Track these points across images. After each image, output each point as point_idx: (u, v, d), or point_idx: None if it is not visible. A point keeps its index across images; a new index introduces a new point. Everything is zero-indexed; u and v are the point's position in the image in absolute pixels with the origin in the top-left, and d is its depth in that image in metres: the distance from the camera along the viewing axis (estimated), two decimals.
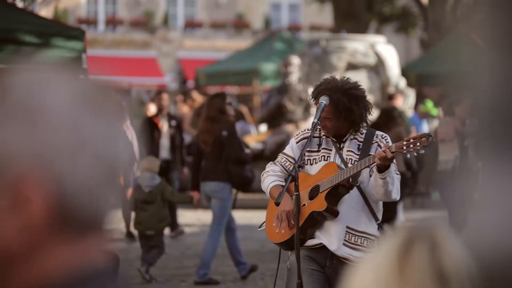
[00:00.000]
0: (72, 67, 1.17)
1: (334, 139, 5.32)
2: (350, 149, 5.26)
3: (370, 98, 5.70)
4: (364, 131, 5.32)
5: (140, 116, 19.84)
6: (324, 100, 5.23)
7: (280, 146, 15.09)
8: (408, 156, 4.98)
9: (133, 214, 13.32)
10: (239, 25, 37.92)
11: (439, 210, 14.36)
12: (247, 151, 10.11)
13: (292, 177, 5.12)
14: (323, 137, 5.34)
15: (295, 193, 5.15)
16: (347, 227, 5.21)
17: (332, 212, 5.18)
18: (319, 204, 5.20)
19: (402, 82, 17.74)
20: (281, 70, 16.36)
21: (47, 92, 1.20)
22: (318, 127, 5.34)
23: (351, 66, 17.25)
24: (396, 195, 5.10)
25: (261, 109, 17.05)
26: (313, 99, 5.40)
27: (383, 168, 4.99)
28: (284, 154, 5.48)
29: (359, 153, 5.23)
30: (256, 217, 14.36)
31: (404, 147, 4.93)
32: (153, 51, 36.87)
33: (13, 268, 1.21)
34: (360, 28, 23.71)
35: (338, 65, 17.11)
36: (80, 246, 1.21)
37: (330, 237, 5.22)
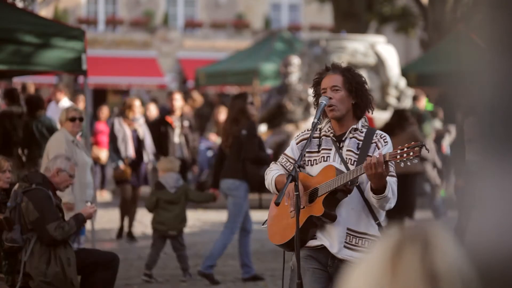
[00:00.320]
0: None
1: (333, 138, 5.30)
2: (349, 148, 5.24)
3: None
4: (364, 130, 5.30)
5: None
6: (324, 100, 5.24)
7: (280, 146, 15.10)
8: (402, 165, 4.95)
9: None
10: (239, 25, 37.91)
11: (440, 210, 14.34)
12: (268, 151, 10.16)
13: (292, 177, 5.12)
14: (323, 137, 5.33)
15: (295, 193, 5.15)
16: (348, 228, 5.20)
17: (329, 217, 5.18)
18: (317, 209, 5.20)
19: (402, 82, 17.74)
20: (281, 70, 16.35)
21: None
22: (318, 126, 5.33)
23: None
24: (391, 204, 5.12)
25: (261, 109, 17.05)
26: (317, 78, 5.38)
27: (378, 189, 4.99)
28: (285, 155, 5.50)
29: (358, 152, 5.22)
30: (256, 217, 14.35)
31: (398, 156, 4.90)
32: (153, 51, 36.85)
33: None
34: (360, 28, 23.70)
35: None
36: None
37: (331, 239, 5.22)
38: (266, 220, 5.61)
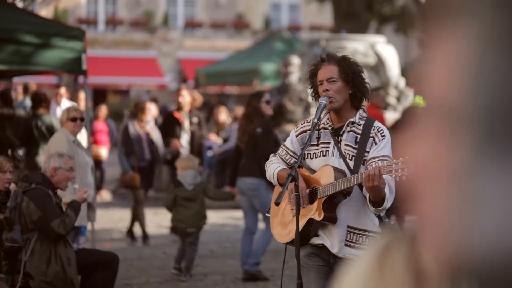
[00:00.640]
0: None
1: (332, 131, 5.29)
2: (347, 142, 5.23)
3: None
4: (362, 122, 5.28)
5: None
6: (324, 100, 5.24)
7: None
8: (397, 179, 4.96)
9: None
10: (239, 25, 37.92)
11: None
12: None
13: (292, 177, 5.13)
14: (322, 130, 5.32)
15: (295, 193, 5.16)
16: (348, 226, 5.22)
17: (330, 220, 5.20)
18: (317, 212, 5.22)
19: (402, 82, 17.75)
20: (281, 70, 16.36)
21: None
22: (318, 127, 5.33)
23: None
24: (389, 203, 5.12)
25: None
26: (313, 69, 5.37)
27: (376, 202, 5.00)
28: (285, 146, 5.51)
29: (356, 147, 5.21)
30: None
31: (393, 171, 4.90)
32: (153, 51, 36.86)
33: None
34: (360, 28, 23.71)
35: None
36: None
37: (332, 238, 5.23)
38: (269, 209, 5.66)
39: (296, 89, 15.98)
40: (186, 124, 13.32)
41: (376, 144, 5.18)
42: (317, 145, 5.31)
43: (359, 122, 5.26)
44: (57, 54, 9.82)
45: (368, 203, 5.06)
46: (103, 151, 17.93)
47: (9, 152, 11.89)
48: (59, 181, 7.61)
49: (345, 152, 5.22)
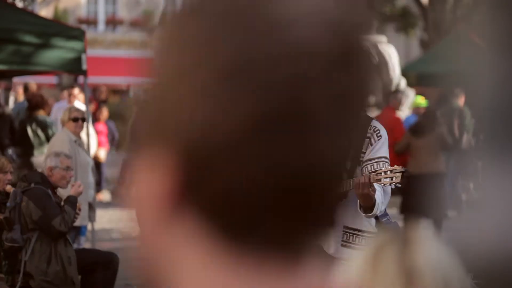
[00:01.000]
0: None
1: None
2: None
3: (370, 98, 5.68)
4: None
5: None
6: None
7: None
8: (386, 188, 4.97)
9: None
10: None
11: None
12: None
13: None
14: None
15: None
16: (344, 226, 5.21)
17: None
18: None
19: (402, 82, 17.75)
20: None
21: None
22: None
23: None
24: (379, 211, 5.10)
25: None
26: None
27: (366, 208, 4.99)
28: None
29: None
30: None
31: (382, 179, 4.89)
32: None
33: None
34: None
35: None
36: None
37: (328, 239, 5.23)
38: None
39: None
40: None
41: (371, 145, 5.15)
42: None
43: None
44: (57, 54, 9.82)
45: (358, 208, 5.05)
46: (102, 153, 17.94)
47: None
48: (57, 180, 7.60)
49: None
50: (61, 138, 9.10)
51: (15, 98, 20.23)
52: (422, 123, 12.19)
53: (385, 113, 13.92)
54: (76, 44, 9.88)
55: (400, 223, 5.37)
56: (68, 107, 9.59)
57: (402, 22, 30.26)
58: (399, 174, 4.84)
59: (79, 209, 7.63)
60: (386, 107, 14.31)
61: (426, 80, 18.63)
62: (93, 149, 15.11)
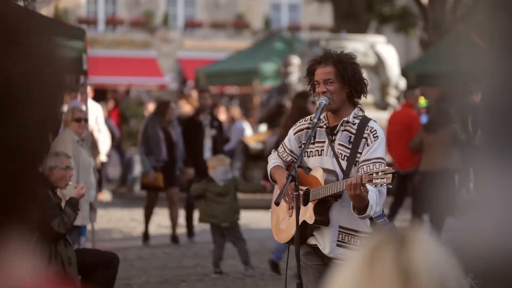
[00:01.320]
0: None
1: (327, 130, 5.28)
2: (341, 142, 5.22)
3: (370, 98, 5.69)
4: (357, 121, 5.26)
5: (139, 116, 19.84)
6: (324, 100, 5.24)
7: None
8: (378, 188, 4.99)
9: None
10: (239, 25, 37.92)
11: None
12: None
13: (292, 177, 5.14)
14: (317, 128, 5.32)
15: (295, 193, 5.17)
16: (340, 226, 5.22)
17: (321, 223, 5.22)
18: (309, 215, 5.24)
19: (402, 82, 17.75)
20: (281, 70, 16.36)
21: None
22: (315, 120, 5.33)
23: None
24: (376, 212, 5.10)
25: (261, 109, 17.05)
26: (311, 67, 5.35)
27: (359, 209, 5.00)
28: (284, 144, 5.54)
29: (350, 147, 5.20)
30: (255, 217, 14.37)
31: (373, 180, 4.90)
32: (153, 51, 36.86)
33: None
34: (360, 28, 23.70)
35: None
36: None
37: (324, 238, 5.25)
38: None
39: (296, 89, 15.98)
40: (207, 128, 13.03)
41: (368, 145, 5.16)
42: (313, 143, 5.33)
43: (353, 121, 5.23)
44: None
45: (352, 210, 5.06)
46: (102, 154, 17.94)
47: None
48: (57, 180, 7.60)
49: (338, 152, 5.22)
50: (64, 138, 9.09)
51: None
52: (435, 119, 12.21)
53: (402, 110, 13.93)
54: (76, 44, 9.87)
55: (398, 224, 5.39)
56: (71, 107, 9.55)
57: (402, 22, 30.24)
58: (390, 175, 4.86)
59: (78, 209, 7.62)
60: (403, 104, 14.31)
61: (426, 80, 18.62)
62: (105, 147, 15.09)
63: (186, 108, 17.70)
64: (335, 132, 5.25)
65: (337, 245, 5.21)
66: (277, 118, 16.35)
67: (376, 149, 5.15)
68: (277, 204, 5.23)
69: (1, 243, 0.83)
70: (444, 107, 12.82)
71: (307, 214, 5.25)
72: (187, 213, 12.80)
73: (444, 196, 11.73)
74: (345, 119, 5.23)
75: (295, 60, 16.09)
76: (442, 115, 12.23)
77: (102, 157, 15.40)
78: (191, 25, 37.76)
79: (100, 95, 35.37)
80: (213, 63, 27.14)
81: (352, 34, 19.38)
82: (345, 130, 5.23)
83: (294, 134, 5.44)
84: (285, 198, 5.32)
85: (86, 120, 9.31)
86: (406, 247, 1.64)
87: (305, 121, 5.43)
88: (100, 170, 18.10)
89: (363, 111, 5.32)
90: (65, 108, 13.52)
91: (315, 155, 5.31)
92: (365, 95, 5.34)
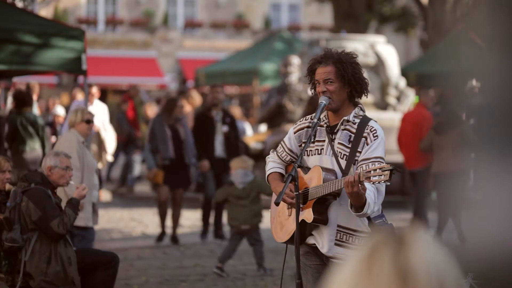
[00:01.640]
0: None
1: (327, 128, 5.28)
2: (341, 141, 5.22)
3: (370, 98, 5.70)
4: (358, 121, 5.26)
5: (138, 116, 19.83)
6: (324, 100, 5.23)
7: None
8: (375, 185, 4.99)
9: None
10: (239, 25, 37.91)
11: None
12: None
13: (292, 177, 5.14)
14: (318, 127, 5.31)
15: (295, 193, 5.17)
16: (338, 225, 5.22)
17: (320, 222, 5.22)
18: (307, 214, 5.24)
19: (402, 82, 17.75)
20: (281, 70, 16.35)
21: None
22: (315, 120, 5.33)
23: None
24: (373, 212, 5.10)
25: (261, 109, 17.05)
26: (312, 66, 5.35)
27: (356, 207, 5.00)
28: (283, 143, 5.53)
29: (349, 146, 5.20)
30: None
31: (371, 177, 4.90)
32: (153, 51, 36.85)
33: None
34: (360, 28, 23.70)
35: None
36: None
37: (322, 238, 5.25)
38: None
39: (296, 89, 15.98)
40: (219, 124, 12.95)
41: (367, 144, 5.16)
42: (313, 142, 5.33)
43: (353, 120, 5.23)
44: (57, 54, 9.82)
45: (350, 208, 5.06)
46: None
47: None
48: (56, 179, 7.60)
49: (337, 151, 5.22)
50: (69, 139, 9.08)
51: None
52: (444, 121, 12.18)
53: (415, 110, 13.94)
54: (76, 44, 9.88)
55: (396, 225, 5.37)
56: (79, 109, 9.50)
57: (402, 22, 30.25)
58: (387, 172, 4.86)
59: (78, 210, 7.63)
60: (417, 104, 14.32)
61: (426, 80, 18.62)
62: (112, 147, 15.11)
63: (186, 108, 17.68)
64: (335, 131, 5.25)
65: (336, 244, 5.22)
66: (277, 118, 16.36)
67: (375, 148, 5.15)
68: (277, 204, 5.23)
69: None
70: (453, 109, 12.78)
71: (306, 213, 5.25)
72: (215, 214, 12.77)
73: (455, 198, 11.72)
74: (346, 118, 5.23)
75: (295, 60, 16.08)
76: (451, 116, 12.20)
77: (108, 157, 15.41)
78: (191, 25, 37.76)
79: (100, 95, 35.38)
80: (213, 63, 27.14)
81: (352, 34, 19.38)
82: (345, 129, 5.23)
83: (295, 133, 5.44)
84: (285, 198, 5.32)
85: (92, 122, 9.33)
86: (404, 247, 1.63)
87: (305, 120, 5.43)
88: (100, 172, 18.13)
89: (363, 111, 5.31)
90: (64, 109, 13.58)
91: (314, 154, 5.31)
92: (366, 94, 5.33)
